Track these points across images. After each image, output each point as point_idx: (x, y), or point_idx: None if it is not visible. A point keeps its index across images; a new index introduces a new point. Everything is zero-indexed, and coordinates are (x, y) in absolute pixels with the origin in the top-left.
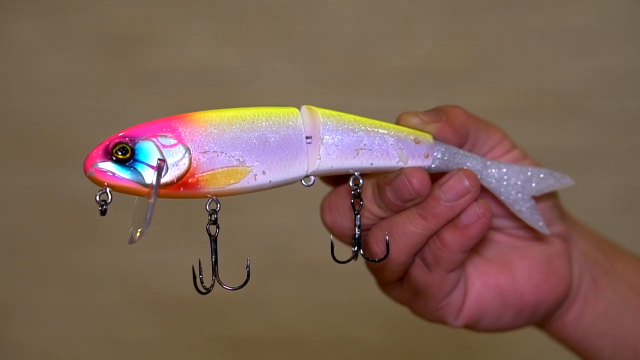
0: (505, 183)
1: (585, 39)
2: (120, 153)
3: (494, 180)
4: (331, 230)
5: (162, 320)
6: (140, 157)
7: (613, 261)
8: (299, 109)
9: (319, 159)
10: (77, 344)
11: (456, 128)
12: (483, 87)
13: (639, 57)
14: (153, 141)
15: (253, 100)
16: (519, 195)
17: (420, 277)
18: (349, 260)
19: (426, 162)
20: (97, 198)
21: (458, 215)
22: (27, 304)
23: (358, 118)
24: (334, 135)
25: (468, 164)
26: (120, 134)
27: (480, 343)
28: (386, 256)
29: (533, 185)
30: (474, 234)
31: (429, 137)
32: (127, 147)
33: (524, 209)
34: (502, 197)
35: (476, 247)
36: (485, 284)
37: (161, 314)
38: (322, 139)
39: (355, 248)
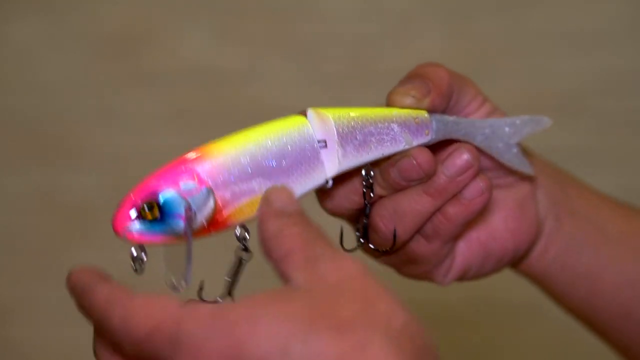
0: (492, 138)
1: (585, 39)
2: (149, 211)
3: (483, 138)
4: (332, 213)
5: None
6: (168, 210)
7: (573, 198)
8: (305, 112)
9: (339, 163)
10: (77, 344)
11: (444, 94)
12: (483, 87)
13: (639, 57)
14: (176, 191)
15: (253, 100)
16: (506, 145)
17: (418, 248)
18: (355, 249)
19: (427, 139)
20: (134, 254)
21: (461, 189)
22: (27, 304)
23: (363, 112)
24: (348, 136)
25: (461, 130)
26: (143, 191)
27: (480, 345)
28: (393, 247)
29: (516, 133)
30: (477, 208)
31: (424, 114)
32: (154, 204)
33: (511, 156)
34: (491, 151)
35: None
36: (467, 241)
37: None
38: (338, 142)
39: (361, 237)
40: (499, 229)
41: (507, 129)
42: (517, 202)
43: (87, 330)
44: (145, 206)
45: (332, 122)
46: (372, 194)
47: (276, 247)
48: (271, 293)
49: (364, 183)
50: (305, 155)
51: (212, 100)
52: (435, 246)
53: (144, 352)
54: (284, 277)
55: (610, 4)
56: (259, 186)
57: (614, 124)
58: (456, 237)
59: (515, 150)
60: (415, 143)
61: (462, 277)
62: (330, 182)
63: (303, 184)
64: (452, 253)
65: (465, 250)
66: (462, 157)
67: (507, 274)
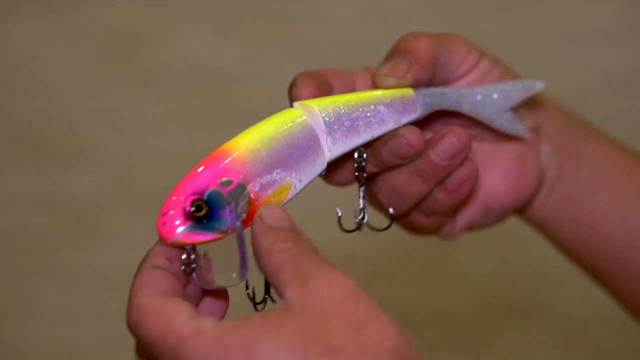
0: (481, 105)
1: (585, 39)
2: (197, 211)
3: (471, 107)
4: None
5: None
6: (214, 208)
7: (580, 146)
8: (292, 106)
9: (329, 150)
10: (77, 344)
11: (426, 65)
12: None
13: (639, 57)
14: (218, 188)
15: (253, 100)
16: (497, 111)
17: (417, 220)
18: (354, 230)
19: (415, 116)
20: (185, 258)
21: (449, 175)
22: (27, 304)
23: (349, 98)
24: (335, 124)
25: (448, 101)
26: (188, 192)
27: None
28: (389, 226)
29: (507, 99)
30: (464, 192)
31: (409, 91)
32: (202, 203)
33: (504, 122)
34: (481, 118)
35: None
36: (467, 202)
37: None
38: (327, 131)
39: (360, 219)
40: (497, 185)
41: (495, 95)
42: (517, 155)
43: (87, 330)
44: (193, 206)
45: (318, 113)
46: (364, 175)
47: (267, 262)
48: (265, 318)
49: (356, 165)
50: (308, 144)
51: (212, 100)
52: (433, 220)
53: (145, 353)
54: (277, 291)
55: (610, 4)
56: (280, 177)
57: (614, 124)
58: (454, 212)
59: (507, 115)
60: (403, 121)
61: (467, 231)
62: (324, 170)
63: (311, 171)
64: (453, 217)
65: (466, 211)
66: (451, 142)
67: (506, 276)
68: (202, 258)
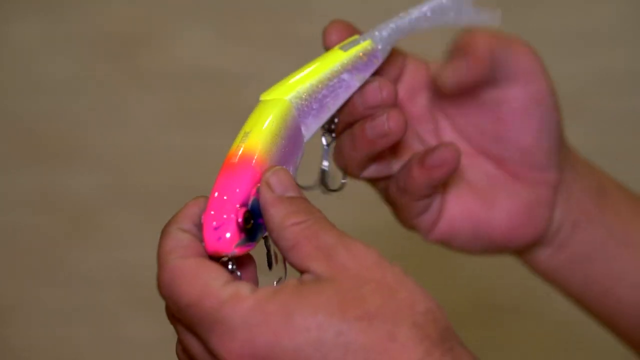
0: (438, 17)
1: (585, 39)
2: (247, 223)
3: (429, 24)
4: (344, 168)
5: (163, 320)
6: (257, 218)
7: (605, 210)
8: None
9: (304, 135)
10: (77, 344)
11: (485, 62)
12: None
13: (638, 57)
14: (256, 197)
15: (253, 100)
16: (457, 13)
17: (393, 193)
18: (313, 188)
19: (378, 64)
20: (233, 268)
21: (426, 155)
22: (27, 304)
23: (312, 76)
24: (305, 110)
25: (404, 31)
26: (233, 204)
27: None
28: (341, 188)
29: (459, 2)
30: (438, 176)
31: (368, 44)
32: (249, 214)
33: (468, 17)
34: (447, 26)
35: (464, 174)
36: (461, 209)
37: (162, 314)
38: (301, 120)
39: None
40: (497, 218)
41: (445, 0)
42: (530, 203)
43: (87, 330)
44: (245, 219)
45: (292, 105)
46: (333, 136)
47: (282, 237)
48: (301, 286)
49: (325, 127)
50: (296, 134)
51: (212, 100)
52: (407, 200)
53: (179, 315)
54: (298, 267)
55: (610, 4)
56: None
57: (613, 124)
58: (427, 196)
59: (468, 8)
60: (368, 75)
61: (448, 243)
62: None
63: (297, 160)
64: (438, 211)
65: (456, 216)
66: (376, 95)
67: (508, 275)
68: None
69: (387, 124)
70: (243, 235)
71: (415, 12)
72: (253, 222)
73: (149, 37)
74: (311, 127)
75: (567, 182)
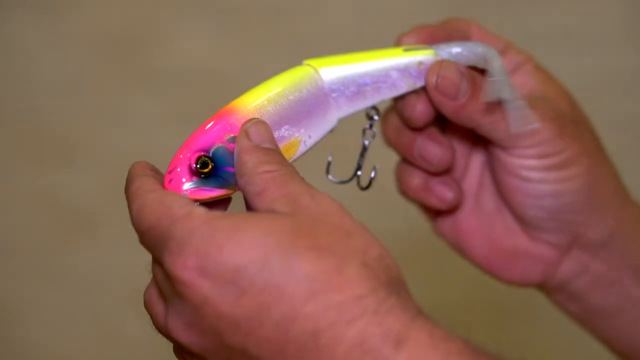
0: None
1: (585, 39)
2: (202, 168)
3: (484, 66)
4: (412, 196)
5: None
6: (219, 164)
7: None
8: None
9: (339, 108)
10: (77, 344)
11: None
12: None
13: (638, 57)
14: (223, 144)
15: None
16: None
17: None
18: (347, 181)
19: None
20: None
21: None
22: (27, 304)
23: (358, 57)
24: (339, 87)
25: (471, 60)
26: (194, 149)
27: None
28: (368, 187)
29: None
30: (422, 164)
31: (430, 54)
32: (207, 159)
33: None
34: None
35: (481, 195)
36: (454, 221)
37: None
38: (330, 95)
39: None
40: (476, 249)
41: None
42: (517, 251)
43: (87, 330)
44: (199, 163)
45: (321, 74)
46: (374, 130)
47: (251, 182)
48: (256, 213)
49: (369, 121)
50: (317, 101)
51: (211, 100)
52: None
53: (144, 243)
54: (264, 211)
55: (610, 4)
56: (288, 133)
57: (613, 124)
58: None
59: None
60: (419, 85)
61: (447, 243)
62: (335, 124)
63: (320, 128)
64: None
65: (446, 227)
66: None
67: None
68: None
69: (414, 109)
70: (195, 179)
71: (481, 48)
72: (214, 168)
73: (149, 37)
74: (343, 108)
75: (594, 251)
